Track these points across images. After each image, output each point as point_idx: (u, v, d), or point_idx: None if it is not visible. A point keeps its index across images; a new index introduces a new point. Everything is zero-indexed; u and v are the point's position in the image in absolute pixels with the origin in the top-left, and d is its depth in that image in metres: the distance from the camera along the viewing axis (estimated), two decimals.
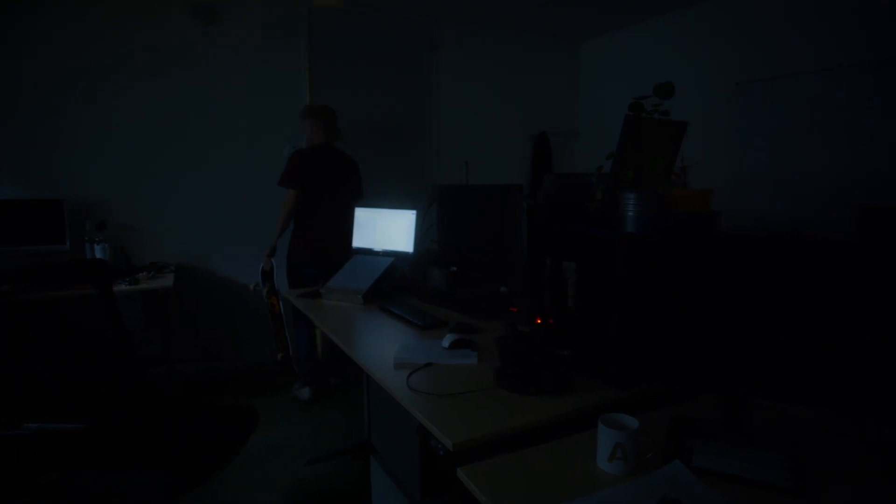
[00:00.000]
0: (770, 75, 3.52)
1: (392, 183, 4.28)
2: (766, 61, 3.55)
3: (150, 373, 3.25)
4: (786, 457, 1.09)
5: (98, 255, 3.25)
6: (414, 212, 2.59)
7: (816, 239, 1.12)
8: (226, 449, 1.76)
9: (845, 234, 2.95)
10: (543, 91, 4.96)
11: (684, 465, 1.06)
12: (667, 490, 0.98)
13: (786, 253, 1.11)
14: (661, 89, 1.56)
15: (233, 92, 3.80)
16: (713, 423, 1.23)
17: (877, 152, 3.03)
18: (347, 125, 4.08)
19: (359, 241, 2.78)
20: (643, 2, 4.00)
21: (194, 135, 3.73)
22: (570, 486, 1.01)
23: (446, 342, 1.72)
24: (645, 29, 4.42)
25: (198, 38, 3.67)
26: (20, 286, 1.91)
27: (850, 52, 3.11)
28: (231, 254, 3.90)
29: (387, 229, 2.69)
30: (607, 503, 0.96)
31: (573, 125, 5.12)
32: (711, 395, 1.34)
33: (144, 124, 3.59)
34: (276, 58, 3.92)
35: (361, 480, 2.48)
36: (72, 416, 1.69)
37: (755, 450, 1.12)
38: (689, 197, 1.54)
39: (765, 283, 1.13)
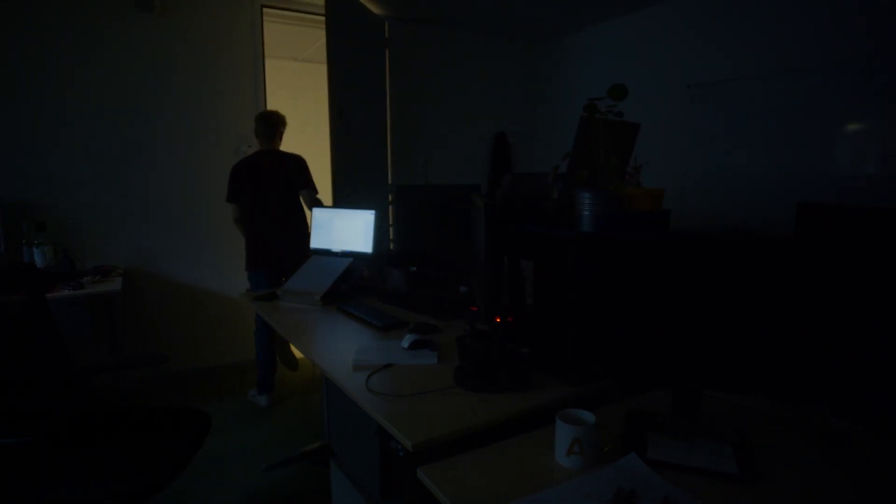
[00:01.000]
0: (719, 79, 3.65)
1: (349, 183, 4.23)
2: (716, 66, 3.68)
3: (95, 380, 3.11)
4: (735, 446, 1.13)
5: (37, 258, 3.09)
6: (373, 212, 2.57)
7: (759, 236, 1.17)
8: (178, 456, 1.70)
9: (788, 231, 3.09)
10: (502, 91, 5.00)
11: (639, 457, 1.09)
12: (622, 482, 1.01)
13: (731, 250, 1.15)
14: (615, 91, 1.60)
15: (183, 88, 3.68)
16: (667, 416, 1.27)
17: (816, 153, 3.19)
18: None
19: (317, 241, 2.74)
20: (599, 6, 4.08)
21: (145, 131, 3.59)
22: (529, 482, 1.02)
23: (406, 343, 1.71)
24: (600, 32, 4.52)
25: (146, 30, 3.53)
26: None
27: (791, 58, 3.27)
28: (184, 256, 3.77)
29: (345, 230, 2.65)
30: (565, 497, 0.98)
31: (532, 125, 5.19)
32: (665, 388, 1.38)
33: (90, 119, 3.42)
34: (229, 53, 3.81)
35: (321, 485, 2.44)
36: (11, 431, 1.60)
37: (706, 440, 1.16)
38: (643, 196, 1.58)
39: (712, 280, 1.17)
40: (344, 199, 3.32)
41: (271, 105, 4.04)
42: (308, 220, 3.22)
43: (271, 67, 4.27)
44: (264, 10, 3.91)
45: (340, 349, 1.77)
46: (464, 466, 1.08)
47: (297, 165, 3.35)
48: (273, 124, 3.35)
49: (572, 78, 4.82)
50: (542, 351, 1.48)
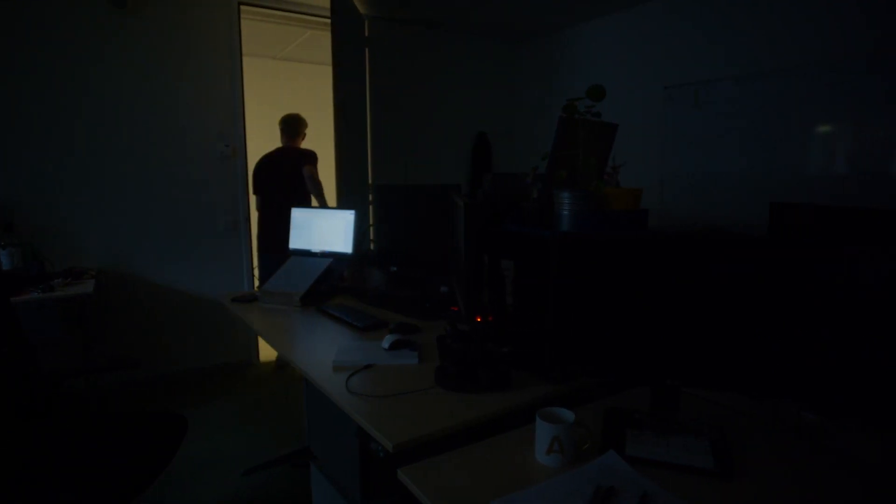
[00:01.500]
0: (695, 80, 3.71)
1: (331, 183, 4.20)
2: (692, 68, 3.74)
3: (67, 386, 3.04)
4: (712, 442, 1.15)
5: (3, 260, 3.00)
6: (353, 212, 2.55)
7: (733, 235, 1.19)
8: (153, 461, 1.66)
9: (763, 229, 3.16)
10: (482, 91, 5.02)
11: (618, 454, 1.10)
12: (602, 479, 1.01)
13: (706, 250, 1.17)
14: (593, 92, 1.61)
15: (159, 86, 3.61)
16: (645, 413, 1.28)
17: (789, 153, 3.26)
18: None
19: (296, 242, 2.71)
20: (577, 6, 4.12)
21: (118, 130, 3.51)
22: (509, 481, 1.02)
23: (386, 343, 1.70)
24: (578, 34, 4.56)
25: (120, 27, 3.45)
26: None
27: (765, 61, 3.33)
28: (160, 257, 3.70)
29: (325, 230, 2.63)
30: (545, 496, 0.98)
31: (512, 125, 5.21)
32: (644, 386, 1.39)
33: (61, 117, 3.33)
34: (206, 51, 3.75)
35: (301, 487, 2.41)
36: None
37: (684, 436, 1.17)
38: (621, 196, 1.60)
39: (690, 279, 1.19)
40: (347, 199, 3.52)
41: (249, 105, 4.00)
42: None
43: (250, 66, 4.22)
44: (242, 7, 3.86)
45: (320, 350, 1.76)
46: (444, 466, 1.07)
47: (303, 154, 3.72)
48: (294, 125, 3.79)
49: (552, 79, 4.85)
50: (523, 350, 1.49)
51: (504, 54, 5.11)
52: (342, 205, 3.55)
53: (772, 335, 1.12)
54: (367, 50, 4.28)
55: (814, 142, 3.16)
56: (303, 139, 3.87)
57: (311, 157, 3.71)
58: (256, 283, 3.90)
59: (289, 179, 3.65)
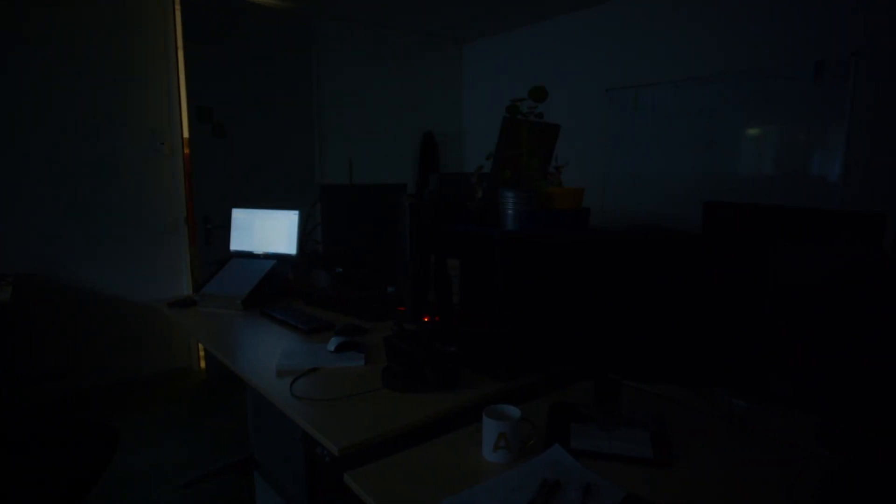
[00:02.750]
0: (635, 84, 3.84)
1: (274, 182, 4.10)
2: (631, 71, 3.87)
3: None
4: (651, 432, 1.19)
5: None
6: (296, 212, 2.49)
7: (670, 233, 1.24)
8: (82, 477, 1.56)
9: (697, 228, 3.31)
10: (429, 91, 5.02)
11: (563, 447, 1.12)
12: (547, 473, 1.03)
13: (644, 248, 1.21)
14: (535, 93, 1.64)
15: (87, 80, 3.39)
16: (589, 407, 1.31)
17: (722, 155, 3.43)
18: (226, 121, 3.83)
19: (237, 243, 2.62)
20: (522, 8, 4.18)
21: (40, 127, 3.28)
22: (457, 480, 1.02)
23: (332, 345, 1.67)
24: (524, 35, 4.63)
25: (42, 14, 3.23)
26: None
27: (699, 67, 3.50)
28: (88, 262, 3.48)
29: (267, 231, 2.56)
30: (493, 493, 0.99)
31: (458, 125, 5.24)
32: (587, 380, 1.43)
33: None
34: (138, 45, 3.56)
35: (245, 497, 2.34)
36: None
37: (626, 428, 1.21)
38: (564, 195, 1.64)
39: (628, 276, 1.23)
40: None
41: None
42: None
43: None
44: None
45: (263, 355, 1.70)
46: (392, 469, 1.06)
47: None
48: None
49: (497, 80, 4.92)
50: (470, 349, 1.50)
51: (450, 54, 5.13)
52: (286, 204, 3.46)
53: (705, 329, 1.17)
54: (311, 50, 4.20)
55: (744, 143, 3.34)
56: None
57: None
58: (190, 286, 3.76)
59: None
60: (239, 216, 2.64)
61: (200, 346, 3.96)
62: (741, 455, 1.12)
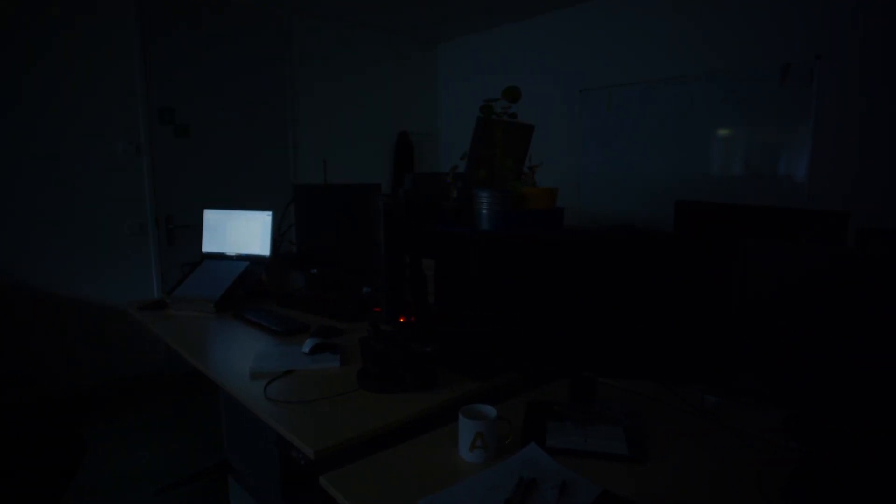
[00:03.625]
0: (609, 84, 3.89)
1: (246, 183, 4.04)
2: (605, 71, 3.92)
3: None
4: (626, 429, 1.20)
5: None
6: (269, 213, 2.46)
7: (643, 232, 1.26)
8: (48, 486, 1.52)
9: (669, 227, 3.37)
10: (403, 90, 5.00)
11: (539, 446, 1.12)
12: (524, 472, 1.04)
13: (617, 247, 1.23)
14: (508, 92, 1.65)
15: (49, 78, 3.29)
16: (565, 405, 1.32)
17: (694, 155, 3.50)
18: (193, 121, 3.76)
19: (209, 244, 2.57)
20: (495, 9, 4.20)
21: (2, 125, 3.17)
22: (434, 480, 1.02)
23: (307, 347, 1.65)
24: (498, 35, 4.65)
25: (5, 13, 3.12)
26: None
27: (672, 68, 3.56)
28: (55, 265, 3.38)
29: (240, 232, 2.52)
30: (470, 492, 0.99)
31: (433, 125, 5.24)
32: (563, 379, 1.44)
33: None
34: (100, 40, 3.46)
35: (220, 503, 2.29)
36: None
37: (601, 425, 1.22)
38: (538, 195, 1.65)
39: (602, 275, 1.24)
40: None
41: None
42: None
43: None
44: None
45: (237, 358, 1.68)
46: (368, 470, 1.05)
47: None
48: None
49: (472, 79, 4.93)
50: (447, 348, 1.49)
51: (425, 54, 5.12)
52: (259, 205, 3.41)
53: (678, 326, 1.19)
54: (286, 47, 4.15)
55: (715, 144, 3.41)
56: None
57: None
58: (161, 289, 3.67)
59: None
60: (211, 217, 2.60)
61: (173, 349, 3.87)
62: (714, 449, 1.14)
